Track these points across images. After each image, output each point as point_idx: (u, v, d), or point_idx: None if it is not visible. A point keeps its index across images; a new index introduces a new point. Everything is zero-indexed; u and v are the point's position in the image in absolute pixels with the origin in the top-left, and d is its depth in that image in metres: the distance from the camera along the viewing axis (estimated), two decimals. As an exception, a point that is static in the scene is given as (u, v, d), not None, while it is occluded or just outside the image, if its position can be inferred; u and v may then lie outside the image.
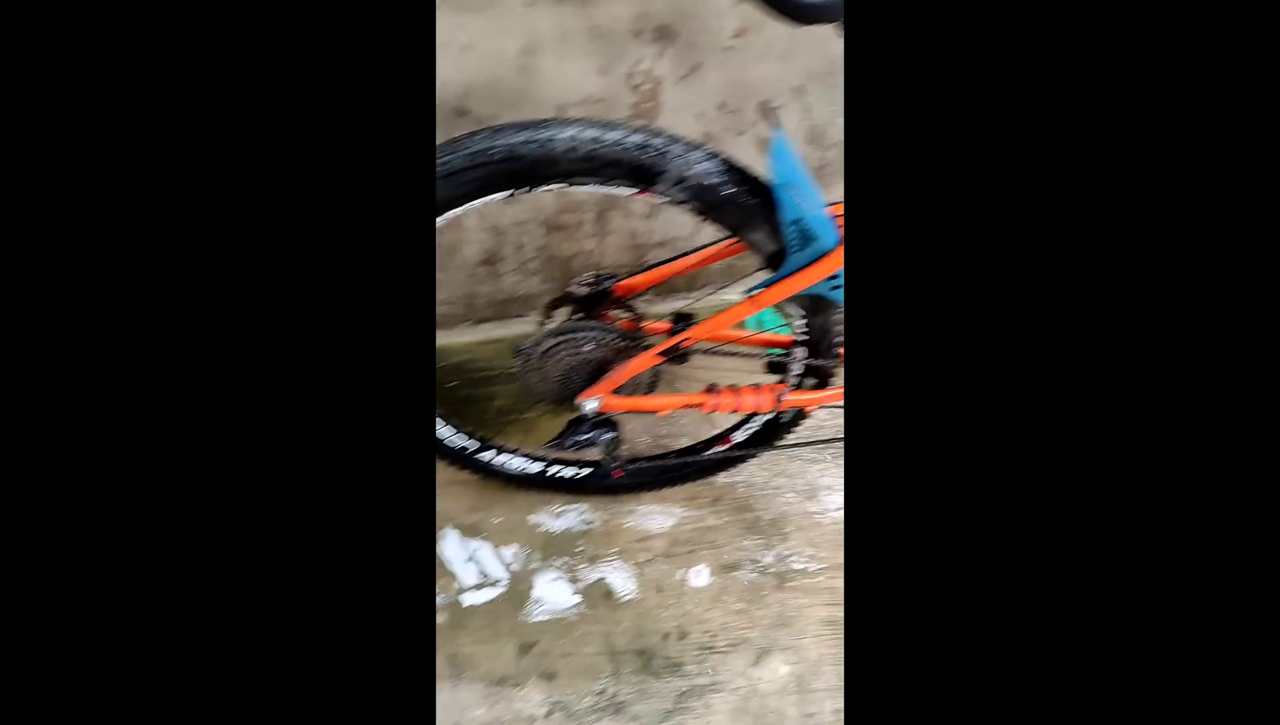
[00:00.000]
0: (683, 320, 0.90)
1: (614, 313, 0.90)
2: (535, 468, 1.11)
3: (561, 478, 1.11)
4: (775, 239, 0.71)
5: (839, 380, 0.94)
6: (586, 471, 1.11)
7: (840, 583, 1.10)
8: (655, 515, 1.17)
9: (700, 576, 1.11)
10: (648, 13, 0.87)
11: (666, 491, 1.16)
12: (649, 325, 0.90)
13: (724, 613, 1.08)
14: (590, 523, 1.17)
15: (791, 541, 1.16)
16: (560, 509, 1.18)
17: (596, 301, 0.89)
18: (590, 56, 0.91)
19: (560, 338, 0.87)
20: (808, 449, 1.20)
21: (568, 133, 0.65)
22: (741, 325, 0.91)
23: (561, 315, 0.92)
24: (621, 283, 0.88)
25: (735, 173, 0.69)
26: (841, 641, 1.07)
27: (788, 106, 1.03)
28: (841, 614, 1.09)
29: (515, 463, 1.09)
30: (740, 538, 1.16)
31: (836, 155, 1.11)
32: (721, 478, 1.20)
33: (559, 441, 0.94)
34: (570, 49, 0.90)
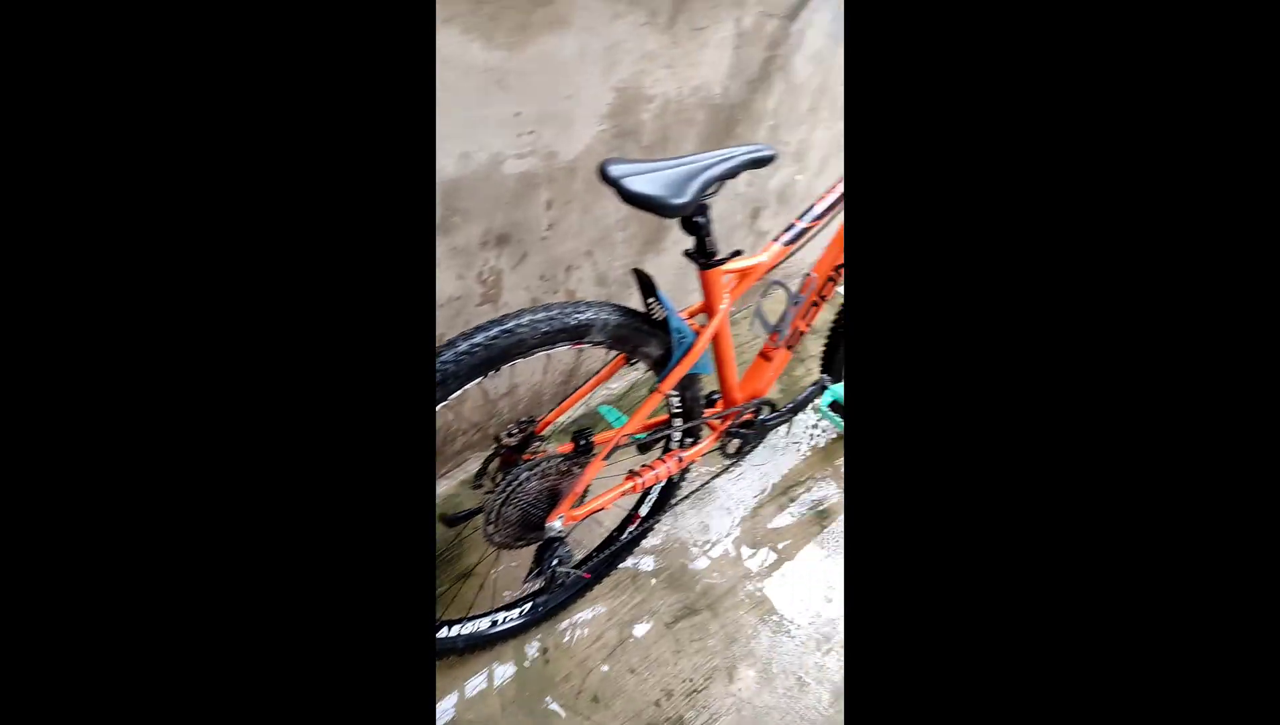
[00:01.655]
0: (581, 434, 1.14)
1: (535, 447, 1.11)
2: (486, 625, 1.20)
3: (511, 627, 1.21)
4: (661, 346, 1.04)
5: (707, 433, 1.29)
6: (530, 605, 1.24)
7: (752, 586, 1.41)
8: (585, 612, 1.32)
9: (685, 637, 1.30)
10: (490, 228, 1.16)
11: (592, 593, 1.33)
12: (559, 448, 1.12)
13: (686, 656, 1.30)
14: (535, 655, 1.25)
15: (707, 575, 1.42)
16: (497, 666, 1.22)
17: (525, 443, 1.09)
18: (452, 268, 1.15)
19: (514, 482, 1.04)
20: (685, 502, 1.51)
21: (526, 320, 0.90)
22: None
23: (493, 467, 1.09)
24: (541, 420, 1.10)
25: (630, 314, 1.00)
26: (778, 623, 1.36)
27: (582, 266, 1.39)
28: (771, 605, 1.39)
29: (467, 629, 1.16)
30: (672, 597, 1.39)
31: (619, 288, 1.50)
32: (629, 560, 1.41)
33: (539, 570, 1.07)
34: (439, 265, 1.13)
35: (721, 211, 1.65)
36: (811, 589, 1.41)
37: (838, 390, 1.44)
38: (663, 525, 1.48)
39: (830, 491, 1.62)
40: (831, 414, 1.42)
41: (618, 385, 1.71)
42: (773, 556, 1.46)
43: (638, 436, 1.22)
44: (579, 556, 1.29)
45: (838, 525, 1.55)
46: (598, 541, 1.35)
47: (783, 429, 1.73)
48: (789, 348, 1.29)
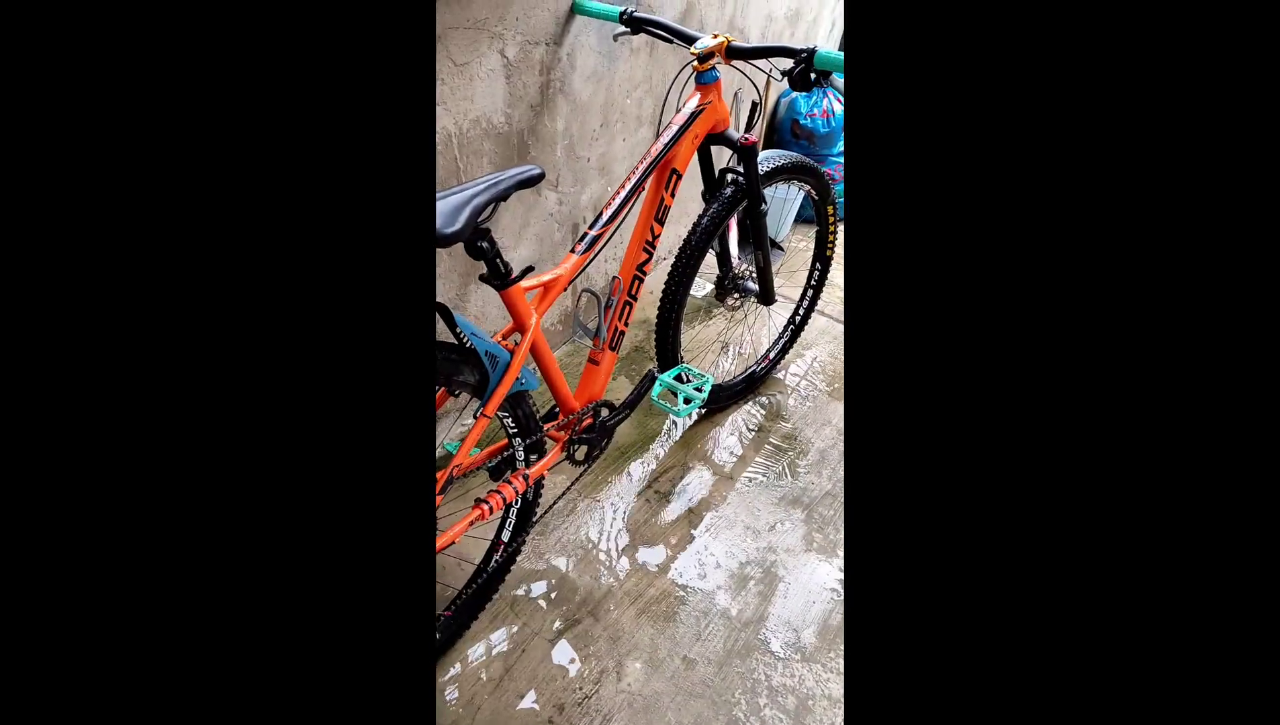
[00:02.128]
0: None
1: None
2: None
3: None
4: (476, 372, 1.07)
5: (551, 445, 1.32)
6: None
7: (629, 583, 1.46)
8: (470, 650, 1.32)
9: (570, 649, 1.32)
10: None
11: (472, 630, 1.33)
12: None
13: (575, 665, 1.32)
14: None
15: (584, 582, 1.45)
16: None
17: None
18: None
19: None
20: (551, 516, 1.53)
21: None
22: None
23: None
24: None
25: (439, 346, 1.02)
26: (654, 611, 1.42)
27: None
28: (648, 600, 1.44)
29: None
30: (553, 612, 1.40)
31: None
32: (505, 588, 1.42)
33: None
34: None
35: (539, 231, 1.70)
36: (686, 566, 1.48)
37: (666, 379, 1.52)
38: (541, 546, 1.49)
39: (692, 478, 1.70)
40: (664, 403, 1.50)
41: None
42: (647, 550, 1.52)
43: (488, 464, 1.24)
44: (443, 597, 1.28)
45: (705, 510, 1.62)
46: (465, 578, 1.35)
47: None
48: (613, 349, 1.36)
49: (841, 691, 1.30)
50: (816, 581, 1.48)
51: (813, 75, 1.18)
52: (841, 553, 1.55)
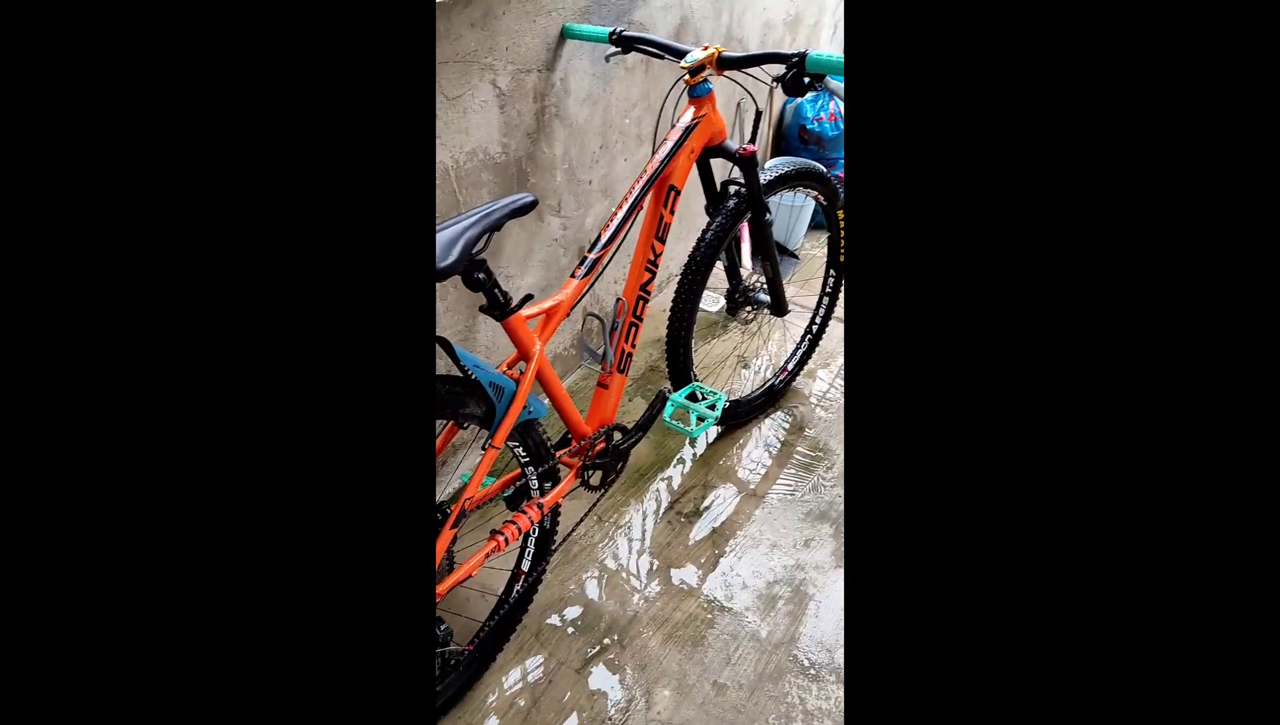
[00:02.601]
0: (436, 509, 1.14)
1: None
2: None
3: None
4: (482, 403, 1.06)
5: (565, 472, 1.30)
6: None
7: (655, 607, 1.42)
8: (496, 682, 1.30)
9: (598, 678, 1.30)
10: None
11: (498, 662, 1.31)
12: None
13: (601, 694, 1.29)
14: None
15: (606, 608, 1.43)
16: None
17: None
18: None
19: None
20: (571, 543, 1.51)
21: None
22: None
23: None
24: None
25: (443, 379, 1.02)
26: (682, 635, 1.38)
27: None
28: (675, 622, 1.40)
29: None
30: (579, 640, 1.38)
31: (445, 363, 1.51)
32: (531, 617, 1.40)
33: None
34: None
35: (545, 257, 1.70)
36: (712, 587, 1.44)
37: (679, 399, 1.50)
38: (563, 574, 1.47)
39: (716, 495, 1.66)
40: (677, 423, 1.47)
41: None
42: (672, 573, 1.48)
43: (503, 494, 1.22)
44: (464, 631, 1.26)
45: (724, 528, 1.59)
46: (487, 609, 1.33)
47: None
48: (621, 372, 1.34)
49: (880, 713, 1.25)
50: (848, 598, 1.43)
51: (806, 79, 1.16)
52: (873, 566, 1.50)
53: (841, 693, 1.27)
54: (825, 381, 2.01)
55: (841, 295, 2.01)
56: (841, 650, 1.33)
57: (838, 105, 2.55)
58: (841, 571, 1.48)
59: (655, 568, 1.49)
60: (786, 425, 1.86)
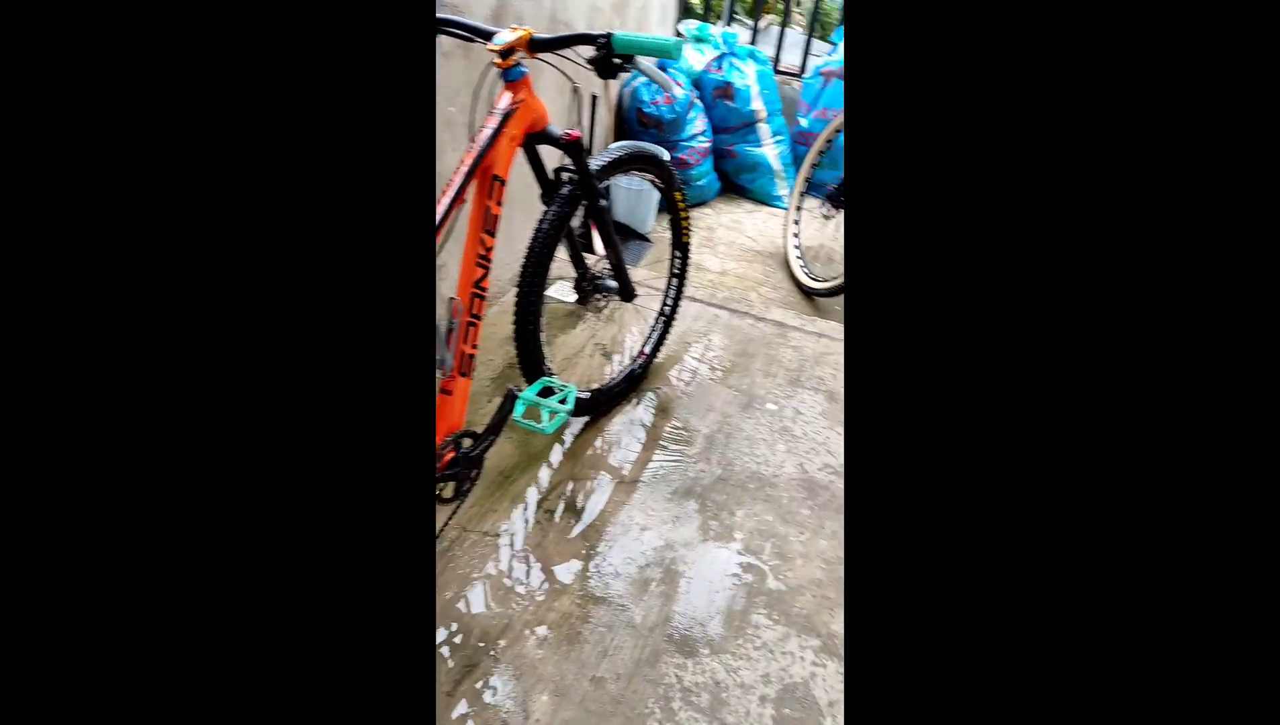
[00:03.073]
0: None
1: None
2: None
3: None
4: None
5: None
6: None
7: (524, 614, 1.38)
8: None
9: (469, 699, 1.23)
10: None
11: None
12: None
13: (470, 717, 1.23)
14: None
15: (491, 617, 1.36)
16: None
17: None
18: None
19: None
20: (439, 560, 1.43)
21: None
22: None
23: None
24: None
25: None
26: (557, 635, 1.35)
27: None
28: (540, 635, 1.36)
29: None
30: (452, 658, 1.31)
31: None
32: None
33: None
34: None
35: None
36: (585, 581, 1.42)
37: (529, 396, 1.46)
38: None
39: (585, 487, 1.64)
40: (529, 423, 1.43)
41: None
42: (543, 573, 1.45)
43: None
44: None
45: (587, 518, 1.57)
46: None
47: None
48: (464, 375, 1.28)
49: (753, 676, 1.28)
50: (717, 570, 1.46)
51: (615, 60, 1.14)
52: (739, 535, 1.54)
53: (716, 664, 1.29)
54: (689, 363, 2.04)
55: (689, 273, 2.04)
56: (715, 621, 1.36)
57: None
58: (709, 544, 1.51)
59: (529, 570, 1.45)
60: (650, 409, 1.87)
